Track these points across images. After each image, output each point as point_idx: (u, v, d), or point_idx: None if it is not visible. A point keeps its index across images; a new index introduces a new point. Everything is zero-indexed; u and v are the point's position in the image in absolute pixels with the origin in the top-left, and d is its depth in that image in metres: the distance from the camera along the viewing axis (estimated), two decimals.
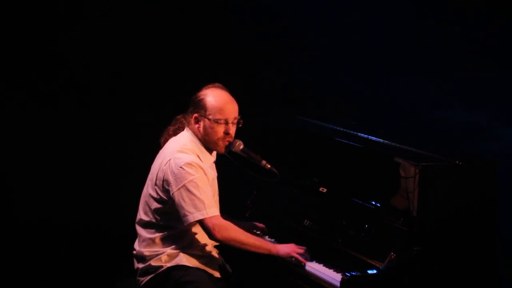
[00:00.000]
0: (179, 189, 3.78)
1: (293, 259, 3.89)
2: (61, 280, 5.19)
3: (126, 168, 5.22)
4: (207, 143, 3.95)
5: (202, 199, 3.76)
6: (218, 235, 3.78)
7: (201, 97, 3.93)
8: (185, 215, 3.77)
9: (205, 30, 5.43)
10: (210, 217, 3.77)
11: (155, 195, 3.90)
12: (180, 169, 3.80)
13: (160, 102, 5.21)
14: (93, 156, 5.31)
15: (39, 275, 5.18)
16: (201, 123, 3.93)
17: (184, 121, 4.04)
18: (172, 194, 3.81)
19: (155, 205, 3.90)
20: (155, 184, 3.90)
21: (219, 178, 4.07)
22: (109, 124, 5.31)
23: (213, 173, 4.00)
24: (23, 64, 5.13)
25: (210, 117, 3.89)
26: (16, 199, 5.20)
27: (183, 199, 3.77)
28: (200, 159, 3.92)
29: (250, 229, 4.27)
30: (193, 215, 3.76)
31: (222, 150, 3.98)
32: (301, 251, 3.91)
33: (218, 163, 4.06)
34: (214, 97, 3.91)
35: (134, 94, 5.35)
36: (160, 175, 3.87)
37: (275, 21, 5.45)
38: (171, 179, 3.81)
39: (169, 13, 5.35)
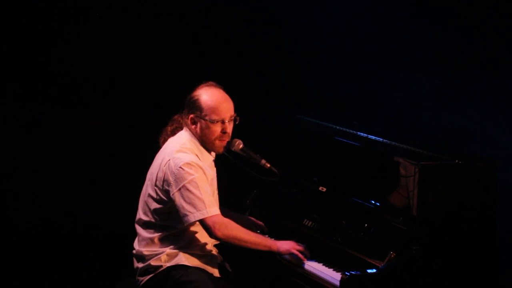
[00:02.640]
0: (179, 189, 3.78)
1: (293, 256, 3.90)
2: (61, 280, 5.19)
3: (126, 168, 5.21)
4: (205, 143, 3.95)
5: (202, 198, 3.76)
6: (219, 233, 3.77)
7: (196, 97, 3.92)
8: (186, 215, 3.77)
9: (206, 29, 5.43)
10: (211, 216, 3.77)
11: (154, 195, 3.90)
12: (180, 169, 3.80)
13: (160, 101, 5.21)
14: (93, 156, 5.31)
15: (39, 276, 5.18)
16: (198, 124, 3.93)
17: (181, 121, 4.04)
18: (173, 194, 3.81)
19: (154, 205, 3.90)
20: (155, 185, 3.90)
21: (219, 177, 4.07)
22: (109, 124, 5.31)
23: (212, 172, 4.00)
24: (23, 64, 5.13)
25: (206, 117, 3.89)
26: (15, 199, 5.20)
27: (183, 199, 3.77)
28: (199, 159, 3.92)
29: (249, 225, 4.28)
30: (194, 215, 3.76)
31: (220, 150, 3.98)
32: (301, 248, 3.92)
33: (217, 162, 4.06)
34: (209, 97, 3.90)
35: (134, 94, 5.36)
36: (160, 175, 3.87)
37: (275, 21, 5.45)
38: (171, 179, 3.81)
39: (170, 13, 5.35)
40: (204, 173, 3.86)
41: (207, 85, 3.95)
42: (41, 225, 5.22)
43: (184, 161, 3.81)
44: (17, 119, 5.17)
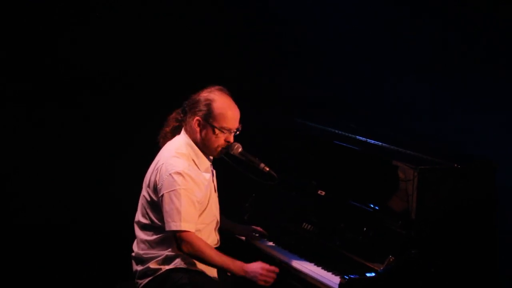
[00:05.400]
0: (162, 195, 3.80)
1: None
2: (61, 281, 5.19)
3: (127, 169, 5.20)
4: (205, 148, 3.94)
5: (180, 211, 3.77)
6: (185, 249, 3.78)
7: (207, 101, 3.88)
8: (164, 222, 3.81)
9: (205, 30, 5.43)
10: (183, 231, 3.76)
11: (148, 197, 3.92)
12: (169, 176, 3.81)
13: (162, 102, 5.19)
14: (94, 156, 5.31)
15: (38, 276, 5.18)
16: (204, 129, 3.91)
17: (179, 118, 4.01)
18: (158, 198, 3.84)
19: (149, 207, 3.92)
20: (148, 186, 3.93)
21: (218, 181, 4.07)
22: (110, 124, 5.31)
23: (209, 175, 3.99)
24: (23, 64, 5.13)
25: (215, 124, 3.86)
26: (15, 199, 5.20)
27: (163, 206, 3.80)
28: (196, 164, 3.92)
29: (248, 233, 4.30)
30: (169, 225, 3.78)
31: (218, 155, 3.99)
32: (270, 268, 3.79)
33: (217, 166, 4.06)
34: (222, 105, 3.87)
35: (135, 94, 5.35)
36: (152, 178, 3.89)
37: (276, 23, 5.44)
38: (158, 183, 3.83)
39: (169, 13, 5.35)
40: (195, 183, 3.85)
41: (218, 90, 3.92)
42: (41, 225, 5.22)
43: (176, 169, 3.81)
44: (17, 119, 5.17)
